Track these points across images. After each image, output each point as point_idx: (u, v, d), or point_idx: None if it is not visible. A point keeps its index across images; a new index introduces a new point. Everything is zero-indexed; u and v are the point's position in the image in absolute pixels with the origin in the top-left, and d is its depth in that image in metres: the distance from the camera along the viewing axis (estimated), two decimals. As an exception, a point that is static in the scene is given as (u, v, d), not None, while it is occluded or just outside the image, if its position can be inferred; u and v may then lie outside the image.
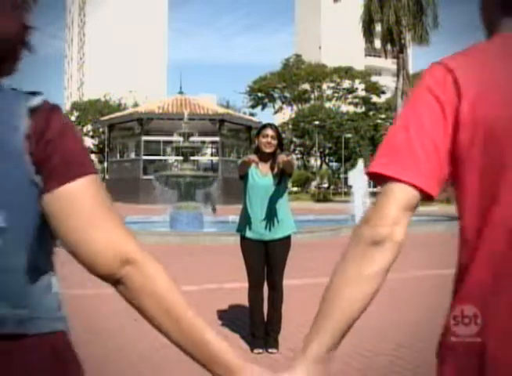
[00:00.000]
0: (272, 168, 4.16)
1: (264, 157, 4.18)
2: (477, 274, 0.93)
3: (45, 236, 0.94)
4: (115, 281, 0.94)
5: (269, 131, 4.13)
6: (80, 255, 0.92)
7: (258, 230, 4.01)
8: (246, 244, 4.09)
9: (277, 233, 4.02)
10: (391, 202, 0.95)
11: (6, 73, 0.97)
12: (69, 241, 0.91)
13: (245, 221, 4.15)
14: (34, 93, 0.94)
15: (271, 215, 4.07)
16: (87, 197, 0.92)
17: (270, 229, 4.02)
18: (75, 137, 0.95)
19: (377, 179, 0.98)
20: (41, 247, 0.94)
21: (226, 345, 0.96)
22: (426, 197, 0.97)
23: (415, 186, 0.94)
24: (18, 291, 0.92)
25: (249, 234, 4.10)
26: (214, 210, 15.46)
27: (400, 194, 0.95)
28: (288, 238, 4.13)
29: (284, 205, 4.17)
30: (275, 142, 4.14)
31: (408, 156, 0.95)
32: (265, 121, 5.12)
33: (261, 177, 4.15)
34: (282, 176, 4.14)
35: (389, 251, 0.95)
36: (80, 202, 0.91)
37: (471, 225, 0.95)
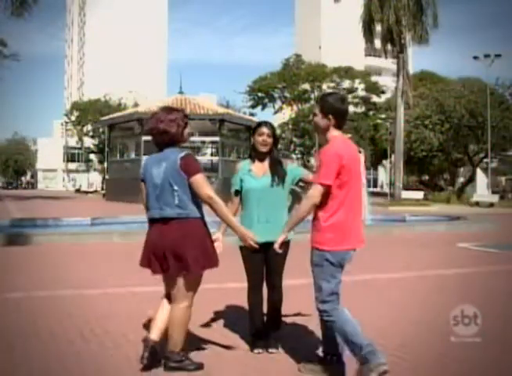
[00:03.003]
0: (270, 167, 4.08)
1: (260, 156, 4.10)
2: (335, 214, 3.44)
3: (191, 192, 3.57)
4: (206, 202, 3.55)
5: (265, 130, 4.05)
6: (198, 194, 3.54)
7: (257, 233, 3.78)
8: (245, 247, 3.96)
9: (276, 237, 3.71)
10: (316, 187, 3.39)
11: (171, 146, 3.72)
12: (197, 191, 3.54)
13: (243, 224, 4.05)
14: (183, 150, 3.64)
15: (269, 218, 4.00)
16: (201, 179, 3.56)
17: (269, 233, 3.88)
18: (194, 160, 3.64)
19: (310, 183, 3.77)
20: (191, 195, 3.58)
21: (240, 226, 3.71)
22: (328, 187, 3.37)
23: (325, 184, 3.38)
24: (187, 206, 3.58)
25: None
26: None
27: (320, 186, 3.39)
28: (287, 242, 4.01)
29: (284, 208, 4.11)
30: (270, 140, 4.06)
31: (327, 175, 3.37)
32: (264, 121, 4.97)
33: (256, 179, 4.05)
34: (282, 177, 4.06)
35: (312, 202, 3.39)
36: (199, 181, 3.54)
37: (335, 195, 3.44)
